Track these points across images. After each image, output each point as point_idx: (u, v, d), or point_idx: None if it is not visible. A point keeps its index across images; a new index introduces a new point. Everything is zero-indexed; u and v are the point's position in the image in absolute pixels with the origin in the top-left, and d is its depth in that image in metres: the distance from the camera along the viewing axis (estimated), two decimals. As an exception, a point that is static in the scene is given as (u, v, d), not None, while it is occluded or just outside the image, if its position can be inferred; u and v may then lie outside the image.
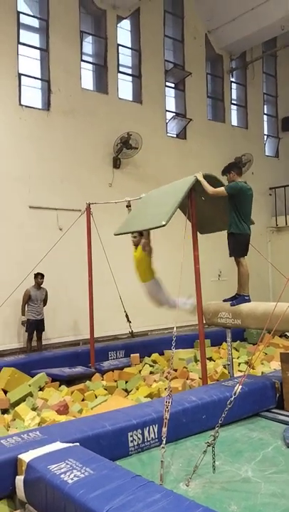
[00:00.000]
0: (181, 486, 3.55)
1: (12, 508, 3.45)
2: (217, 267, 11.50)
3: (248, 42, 13.07)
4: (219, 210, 6.12)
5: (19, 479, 3.38)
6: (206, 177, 5.95)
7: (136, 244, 6.71)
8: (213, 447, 3.54)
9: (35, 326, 8.61)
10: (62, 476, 3.05)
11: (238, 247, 5.69)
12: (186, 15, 12.43)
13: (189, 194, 5.65)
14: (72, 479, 2.99)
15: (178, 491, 3.21)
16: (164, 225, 5.25)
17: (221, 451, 4.06)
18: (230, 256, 5.85)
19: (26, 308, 8.55)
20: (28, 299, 8.50)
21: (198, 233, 5.85)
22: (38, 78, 9.78)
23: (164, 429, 3.75)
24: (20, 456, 3.46)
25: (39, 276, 8.52)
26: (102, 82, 10.79)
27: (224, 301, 6.02)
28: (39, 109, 9.66)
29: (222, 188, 5.60)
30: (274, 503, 3.30)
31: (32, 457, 3.39)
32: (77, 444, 3.69)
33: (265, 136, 14.78)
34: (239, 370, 7.35)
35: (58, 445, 3.62)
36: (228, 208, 5.71)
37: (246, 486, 3.57)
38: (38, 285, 8.62)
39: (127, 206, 7.27)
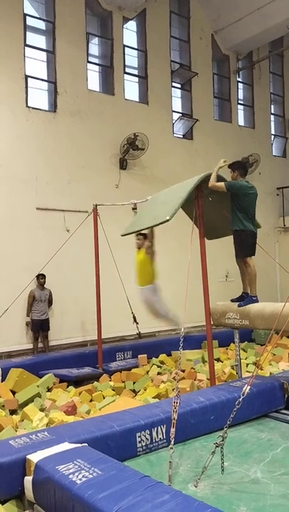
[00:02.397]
0: (190, 487, 3.54)
1: (21, 508, 3.45)
2: (224, 267, 11.45)
3: (255, 42, 13.03)
4: (225, 215, 6.10)
5: (28, 480, 3.38)
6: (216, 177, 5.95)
7: (139, 247, 6.70)
8: (221, 448, 3.52)
9: (39, 326, 8.75)
10: (70, 476, 3.05)
11: (245, 246, 5.63)
12: (192, 15, 12.42)
13: (196, 194, 5.65)
14: (80, 480, 2.99)
15: (186, 492, 3.20)
16: (168, 220, 5.24)
17: (229, 452, 4.04)
18: (236, 257, 5.81)
19: (31, 309, 8.71)
20: (32, 299, 8.68)
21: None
22: (44, 80, 9.82)
23: (172, 430, 3.74)
24: (28, 456, 3.47)
25: (40, 277, 8.68)
26: (109, 83, 10.81)
27: (232, 301, 6.00)
28: (46, 110, 9.69)
29: (221, 184, 5.56)
30: (283, 504, 3.28)
31: (40, 458, 3.40)
32: (86, 444, 3.69)
33: (273, 136, 14.73)
34: (247, 371, 7.31)
35: (66, 446, 3.62)
36: (230, 208, 5.68)
37: (255, 487, 3.54)
38: (41, 286, 8.77)
39: (133, 209, 7.27)
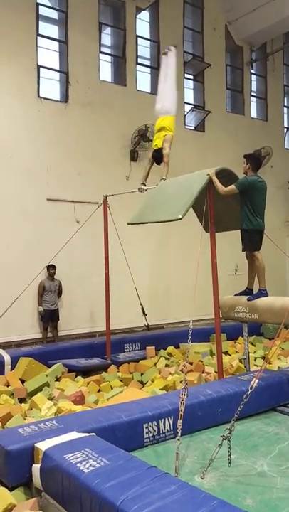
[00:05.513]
0: (196, 479, 3.56)
1: (28, 495, 3.50)
2: (234, 261, 11.41)
3: (269, 33, 12.83)
4: (234, 208, 6.07)
5: (36, 467, 3.43)
6: (223, 171, 5.92)
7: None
8: (228, 441, 3.53)
9: (49, 316, 8.83)
10: (78, 465, 3.08)
11: (252, 242, 5.64)
12: (206, 6, 12.27)
13: (208, 188, 5.62)
14: (88, 469, 3.02)
15: (193, 484, 3.22)
16: (180, 219, 5.24)
17: (236, 445, 4.05)
18: (243, 251, 5.82)
19: (42, 299, 8.78)
20: (42, 290, 8.74)
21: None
22: (56, 70, 9.78)
23: (180, 422, 3.76)
24: (37, 444, 3.51)
25: (50, 268, 8.71)
26: (121, 73, 10.74)
27: (236, 295, 6.01)
28: (57, 101, 9.67)
29: (232, 187, 5.54)
30: (289, 497, 3.29)
31: (48, 446, 3.44)
32: (93, 434, 3.72)
33: (285, 129, 14.57)
34: (255, 365, 7.31)
35: (74, 435, 3.66)
36: (239, 204, 5.65)
37: (262, 481, 3.56)
38: (51, 276, 8.81)
39: (140, 190, 7.16)
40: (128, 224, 6.53)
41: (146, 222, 6.42)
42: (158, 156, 6.91)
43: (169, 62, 7.39)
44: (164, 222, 5.97)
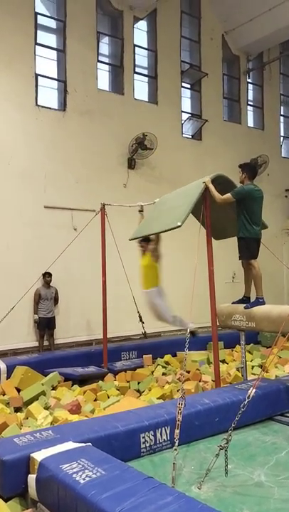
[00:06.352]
0: (193, 489, 3.53)
1: (24, 506, 3.46)
2: (231, 268, 11.42)
3: (265, 43, 12.97)
4: (232, 215, 6.08)
5: (31, 478, 3.39)
6: (219, 178, 5.94)
7: (144, 251, 6.68)
8: (225, 450, 3.51)
9: (45, 324, 8.79)
10: (74, 475, 3.05)
11: (249, 250, 5.66)
12: (203, 15, 12.39)
13: (204, 196, 5.64)
14: (84, 479, 2.99)
15: (190, 494, 3.19)
16: (179, 226, 5.24)
17: (233, 455, 4.02)
18: (239, 259, 5.84)
19: (38, 307, 8.75)
20: (38, 298, 8.72)
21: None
22: (54, 79, 9.83)
23: (177, 431, 3.73)
24: (32, 454, 3.48)
25: (47, 276, 8.70)
26: (118, 82, 10.81)
27: (233, 303, 6.01)
28: (55, 109, 9.71)
29: (229, 195, 5.57)
30: (287, 508, 3.26)
31: (44, 456, 3.41)
32: (90, 444, 3.69)
33: (282, 138, 14.66)
34: (253, 373, 7.29)
35: (70, 445, 3.63)
36: (236, 212, 5.68)
37: (259, 491, 3.53)
38: (46, 284, 8.79)
39: (140, 211, 7.27)
40: (130, 240, 6.54)
41: (147, 235, 6.41)
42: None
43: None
44: (164, 231, 5.96)
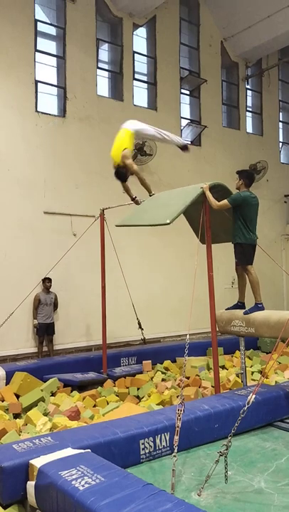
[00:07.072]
0: (193, 496, 3.51)
1: (23, 513, 3.44)
2: (230, 274, 11.40)
3: (264, 49, 13.04)
4: (225, 221, 6.10)
5: (30, 485, 3.38)
6: (217, 186, 5.98)
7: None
8: (225, 457, 3.49)
9: (45, 330, 8.77)
10: (73, 482, 3.04)
11: (245, 255, 5.70)
12: (202, 22, 12.47)
13: (203, 201, 5.66)
14: (83, 486, 2.98)
15: (189, 501, 3.18)
16: (168, 224, 5.26)
17: (233, 461, 4.01)
18: (236, 265, 5.86)
19: (37, 313, 8.74)
20: (38, 303, 8.70)
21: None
22: (54, 85, 9.88)
23: (176, 438, 3.72)
24: (31, 461, 3.47)
25: (47, 281, 8.70)
26: (118, 89, 10.86)
27: (227, 309, 6.02)
28: (55, 115, 9.74)
29: (225, 201, 5.63)
30: (287, 515, 3.25)
31: (43, 463, 3.39)
32: (89, 450, 3.68)
33: (281, 144, 14.71)
34: (252, 379, 7.27)
35: (69, 451, 3.61)
36: (233, 218, 5.71)
37: (259, 497, 3.51)
38: (46, 289, 8.78)
39: (136, 202, 6.84)
40: (116, 226, 6.51)
41: (134, 225, 6.41)
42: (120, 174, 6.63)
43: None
44: (152, 226, 5.95)
